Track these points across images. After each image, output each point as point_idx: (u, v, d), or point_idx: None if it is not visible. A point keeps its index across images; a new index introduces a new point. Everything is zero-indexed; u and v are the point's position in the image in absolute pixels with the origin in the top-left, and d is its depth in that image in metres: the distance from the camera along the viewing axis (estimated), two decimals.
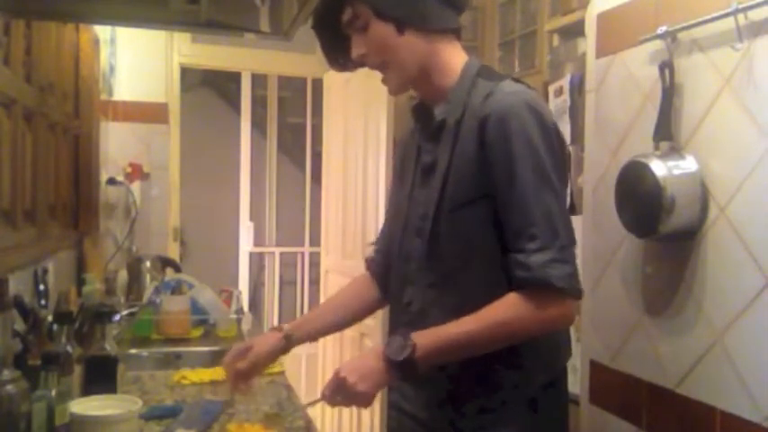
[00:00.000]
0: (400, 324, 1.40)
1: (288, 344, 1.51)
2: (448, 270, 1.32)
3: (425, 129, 1.40)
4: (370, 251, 1.64)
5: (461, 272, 1.31)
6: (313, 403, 1.45)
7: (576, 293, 1.25)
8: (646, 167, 1.70)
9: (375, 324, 3.19)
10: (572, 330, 2.30)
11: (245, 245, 5.18)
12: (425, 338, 1.24)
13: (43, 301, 1.89)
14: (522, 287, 1.24)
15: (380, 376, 1.24)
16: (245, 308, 2.88)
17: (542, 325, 1.26)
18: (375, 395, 1.26)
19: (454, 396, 1.32)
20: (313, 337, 1.56)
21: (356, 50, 1.36)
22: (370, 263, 1.61)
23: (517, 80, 1.34)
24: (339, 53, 1.43)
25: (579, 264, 2.20)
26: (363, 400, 1.25)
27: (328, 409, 3.76)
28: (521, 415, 1.31)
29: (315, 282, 4.65)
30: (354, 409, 2.41)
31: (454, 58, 1.37)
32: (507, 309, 1.24)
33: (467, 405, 1.31)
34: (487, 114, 1.26)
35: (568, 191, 2.38)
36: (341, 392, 1.25)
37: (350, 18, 1.35)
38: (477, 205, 1.28)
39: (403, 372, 1.24)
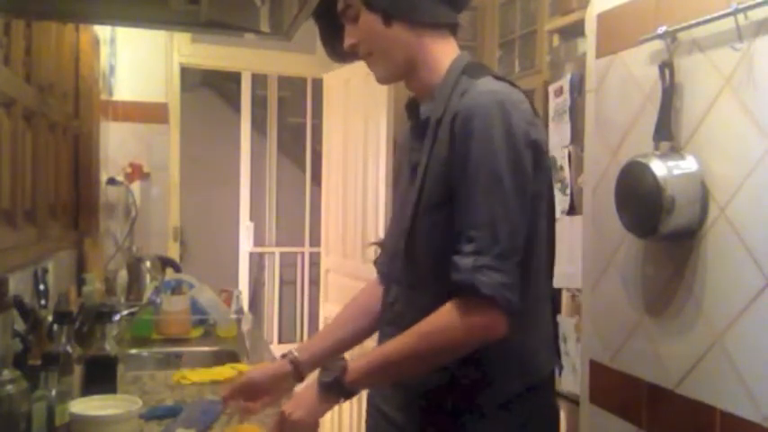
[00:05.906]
0: (384, 322, 1.40)
1: (296, 368, 1.42)
2: (423, 271, 1.30)
3: (415, 127, 1.39)
4: (373, 252, 1.62)
5: (434, 273, 1.27)
6: None
7: (507, 305, 1.17)
8: (646, 167, 1.69)
9: None
10: (572, 330, 2.32)
11: (245, 245, 5.18)
12: (359, 359, 1.24)
13: (43, 301, 1.89)
14: (455, 292, 1.20)
15: (313, 403, 1.25)
16: (245, 308, 2.88)
17: (467, 335, 1.19)
18: (313, 422, 1.26)
19: (425, 399, 1.30)
20: (320, 358, 1.43)
21: (348, 40, 1.36)
22: (377, 262, 1.59)
23: (499, 78, 1.31)
24: (337, 43, 1.43)
25: (579, 264, 2.23)
26: (303, 428, 1.25)
27: None
28: (493, 421, 1.27)
29: (315, 282, 4.65)
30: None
31: (444, 54, 1.34)
32: (437, 318, 1.20)
33: (437, 409, 1.28)
34: (457, 112, 1.23)
35: (568, 191, 2.39)
36: (283, 424, 1.25)
37: (343, 8, 1.35)
38: (450, 206, 1.24)
39: (335, 394, 1.24)
